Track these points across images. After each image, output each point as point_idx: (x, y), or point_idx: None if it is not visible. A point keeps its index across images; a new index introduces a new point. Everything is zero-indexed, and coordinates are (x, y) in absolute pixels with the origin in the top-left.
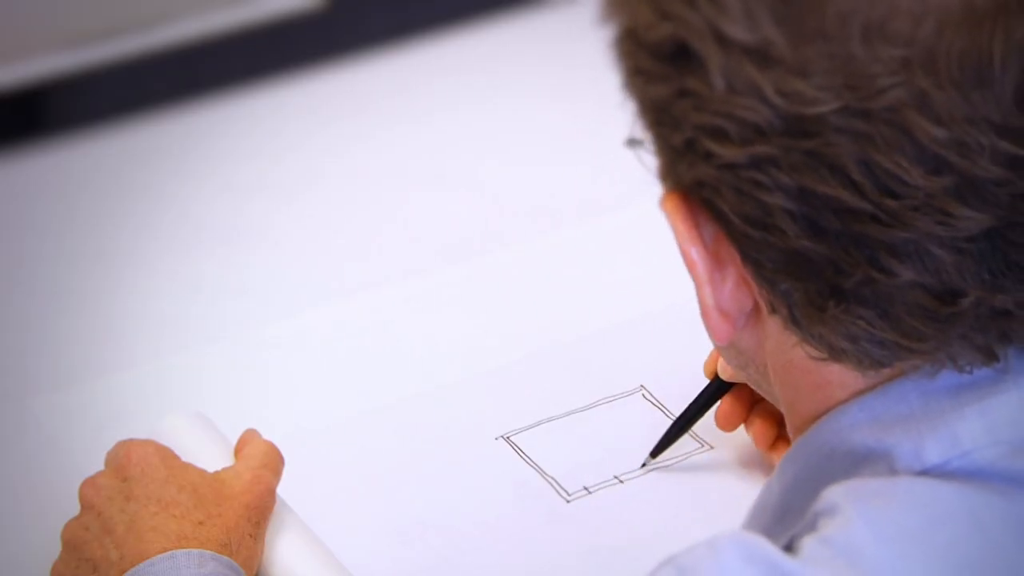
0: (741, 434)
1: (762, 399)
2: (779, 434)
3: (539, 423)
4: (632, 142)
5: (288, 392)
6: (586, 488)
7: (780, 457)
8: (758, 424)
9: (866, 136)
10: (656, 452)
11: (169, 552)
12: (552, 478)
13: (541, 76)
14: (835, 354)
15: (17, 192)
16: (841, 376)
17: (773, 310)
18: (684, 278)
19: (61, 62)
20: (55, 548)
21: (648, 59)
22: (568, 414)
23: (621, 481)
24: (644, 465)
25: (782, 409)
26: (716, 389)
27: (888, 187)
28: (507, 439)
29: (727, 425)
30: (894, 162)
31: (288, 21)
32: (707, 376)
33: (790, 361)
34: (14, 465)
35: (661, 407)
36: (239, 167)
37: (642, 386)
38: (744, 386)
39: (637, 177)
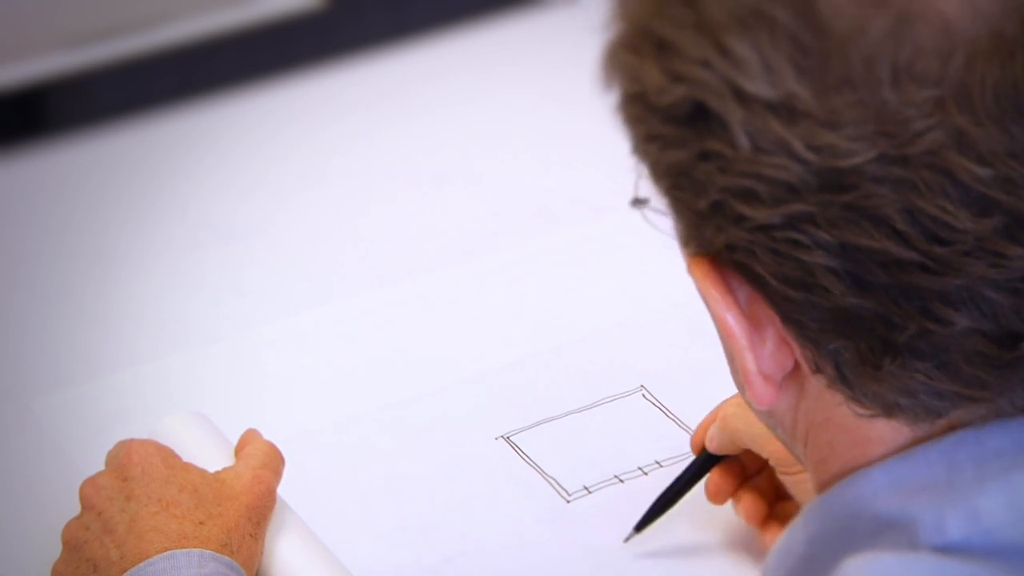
0: None
1: (753, 474)
2: (771, 512)
3: (539, 423)
4: (637, 202)
5: (288, 392)
6: (586, 488)
7: (772, 536)
8: (747, 500)
9: (907, 183)
10: (640, 527)
11: (169, 552)
12: (552, 478)
13: (541, 76)
14: (888, 410)
15: (17, 192)
16: (883, 432)
17: (817, 369)
18: (684, 278)
19: (61, 62)
20: (55, 548)
21: (662, 123)
22: (568, 414)
23: (621, 481)
24: (627, 540)
25: (807, 465)
26: (704, 462)
27: (935, 234)
28: (507, 439)
29: (717, 499)
30: (939, 207)
31: (288, 21)
32: (694, 451)
33: (828, 419)
34: (14, 465)
35: (661, 407)
36: (239, 167)
37: (642, 386)
38: (735, 459)
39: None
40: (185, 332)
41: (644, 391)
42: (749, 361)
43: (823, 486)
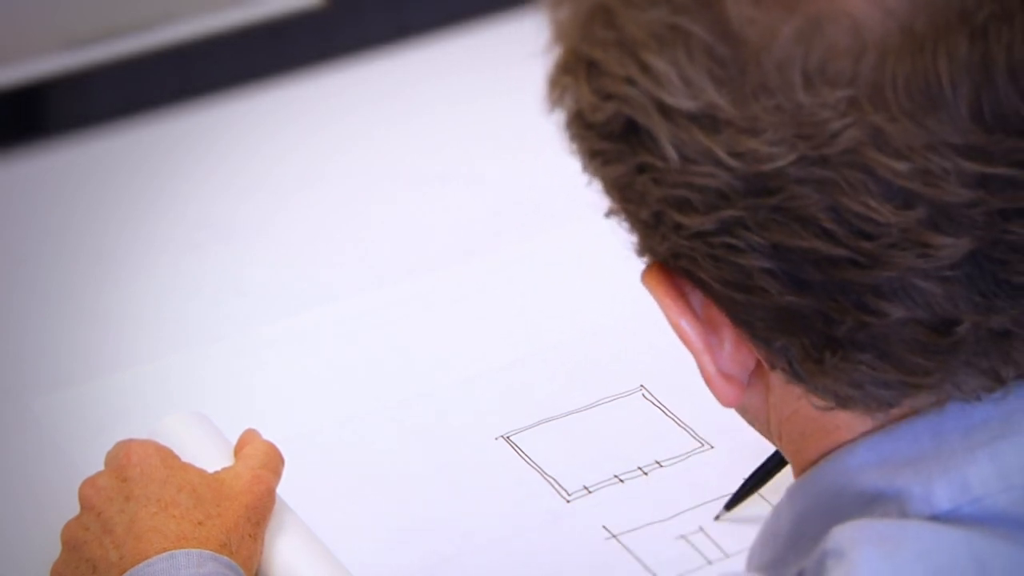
0: (741, 434)
1: None
2: None
3: (539, 423)
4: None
5: (288, 392)
6: (586, 488)
7: None
8: None
9: (829, 183)
10: (731, 505)
11: (168, 552)
12: (552, 478)
13: (541, 76)
14: (842, 402)
15: (17, 192)
16: (848, 420)
17: (773, 366)
18: None
19: (61, 62)
20: (55, 548)
21: (599, 140)
22: (568, 414)
23: (621, 481)
24: (718, 519)
25: (787, 456)
26: None
27: (861, 229)
28: (507, 439)
29: None
30: (862, 204)
31: (288, 21)
32: None
33: (795, 411)
34: (14, 465)
35: (661, 407)
36: (239, 167)
37: (642, 386)
38: None
39: None
40: (185, 332)
41: (644, 391)
42: (707, 363)
43: (803, 471)
